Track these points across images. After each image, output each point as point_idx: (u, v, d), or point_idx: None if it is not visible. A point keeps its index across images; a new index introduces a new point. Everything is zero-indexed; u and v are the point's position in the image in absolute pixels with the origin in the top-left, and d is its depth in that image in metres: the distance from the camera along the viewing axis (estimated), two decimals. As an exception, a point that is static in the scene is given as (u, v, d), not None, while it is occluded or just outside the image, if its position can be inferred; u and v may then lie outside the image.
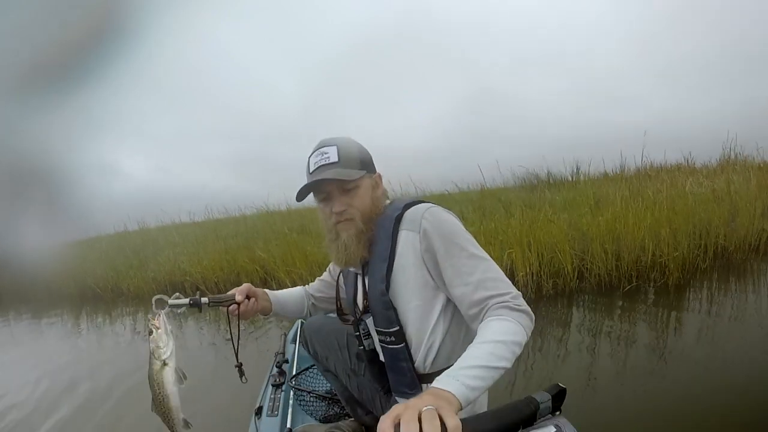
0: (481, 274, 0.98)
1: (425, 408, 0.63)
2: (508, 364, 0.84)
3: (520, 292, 0.98)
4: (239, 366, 1.25)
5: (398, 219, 1.09)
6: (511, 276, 4.03)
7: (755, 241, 4.58)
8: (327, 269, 1.50)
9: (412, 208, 1.10)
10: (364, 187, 1.13)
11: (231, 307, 1.24)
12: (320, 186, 1.11)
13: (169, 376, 1.04)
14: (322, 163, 1.11)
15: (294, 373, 1.80)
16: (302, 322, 2.22)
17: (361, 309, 1.20)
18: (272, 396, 1.71)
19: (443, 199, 7.50)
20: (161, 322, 1.07)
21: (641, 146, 6.94)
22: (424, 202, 1.13)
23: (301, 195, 1.14)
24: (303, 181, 1.15)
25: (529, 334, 0.92)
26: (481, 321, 0.94)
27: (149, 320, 1.07)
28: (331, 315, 1.60)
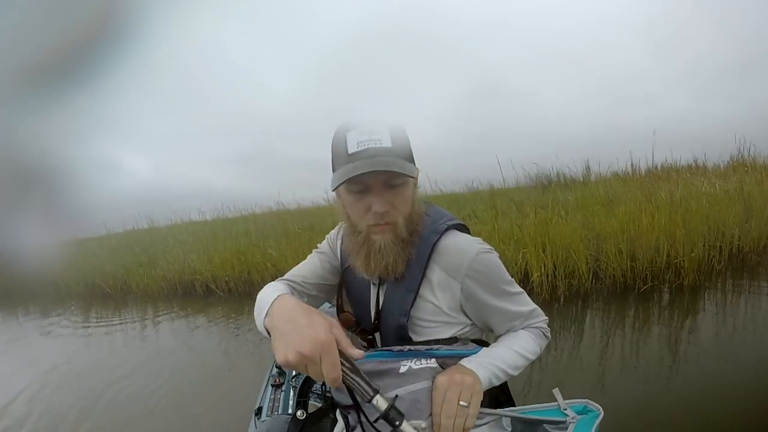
0: (522, 308, 1.01)
1: (461, 403, 0.79)
2: (514, 374, 0.95)
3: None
4: None
5: (434, 246, 0.91)
6: (527, 277, 4.04)
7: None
8: (322, 245, 1.12)
9: (455, 244, 0.92)
10: (410, 185, 0.89)
11: None
12: (360, 175, 0.80)
13: None
14: (370, 145, 0.81)
15: (294, 373, 1.79)
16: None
17: (370, 326, 1.01)
18: (272, 396, 1.69)
19: (454, 200, 7.45)
20: None
21: (651, 146, 6.83)
22: (463, 226, 0.98)
23: (338, 182, 0.84)
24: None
25: None
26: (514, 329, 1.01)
27: None
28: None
